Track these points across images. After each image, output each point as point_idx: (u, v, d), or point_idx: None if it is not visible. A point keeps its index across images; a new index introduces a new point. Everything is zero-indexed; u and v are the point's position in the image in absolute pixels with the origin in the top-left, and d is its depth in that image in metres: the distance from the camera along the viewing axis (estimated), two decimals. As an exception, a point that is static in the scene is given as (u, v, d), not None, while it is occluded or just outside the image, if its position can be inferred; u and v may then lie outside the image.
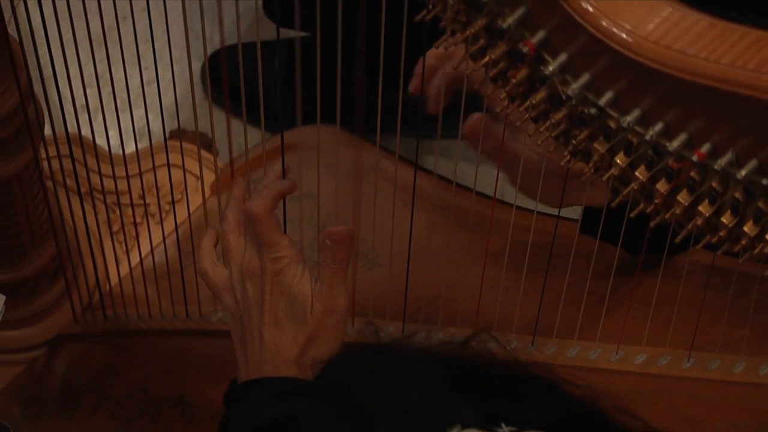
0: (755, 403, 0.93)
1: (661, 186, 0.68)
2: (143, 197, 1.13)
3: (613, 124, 0.67)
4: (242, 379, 0.83)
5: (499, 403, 0.71)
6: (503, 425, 0.66)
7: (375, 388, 0.75)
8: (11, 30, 0.85)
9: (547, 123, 0.70)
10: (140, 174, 1.08)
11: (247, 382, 0.82)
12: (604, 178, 0.70)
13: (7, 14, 0.83)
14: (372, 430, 0.73)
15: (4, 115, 0.88)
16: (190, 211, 1.10)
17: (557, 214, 0.91)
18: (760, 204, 0.65)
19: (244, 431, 0.78)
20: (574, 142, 0.70)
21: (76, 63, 0.88)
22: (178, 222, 1.07)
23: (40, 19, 0.83)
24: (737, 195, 0.65)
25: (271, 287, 0.82)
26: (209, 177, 1.15)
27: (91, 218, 1.02)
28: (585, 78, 0.67)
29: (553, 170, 0.87)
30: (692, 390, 0.95)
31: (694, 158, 0.65)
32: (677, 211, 0.68)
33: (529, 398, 0.74)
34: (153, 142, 1.13)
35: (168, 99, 0.93)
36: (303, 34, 0.82)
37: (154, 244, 1.09)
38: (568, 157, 0.72)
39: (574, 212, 0.95)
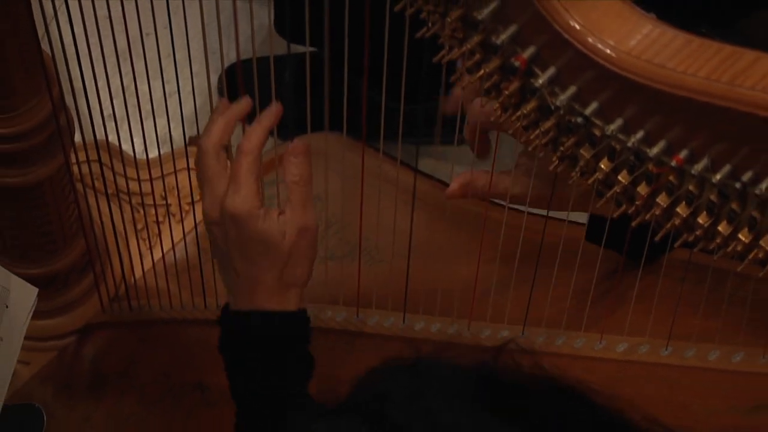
0: (728, 389, 0.93)
1: (642, 189, 0.68)
2: (165, 198, 1.13)
3: (597, 132, 0.67)
4: (234, 305, 0.82)
5: (535, 418, 0.69)
6: None
7: (417, 406, 0.70)
8: (44, 46, 0.85)
9: (537, 131, 0.70)
10: (162, 177, 1.07)
11: (244, 313, 0.81)
12: (589, 182, 0.70)
13: (41, 31, 0.83)
14: None
15: (38, 124, 0.88)
16: (208, 211, 1.10)
17: (546, 214, 0.91)
18: (734, 206, 0.65)
19: None
20: (561, 148, 0.70)
21: (104, 76, 0.88)
22: (196, 221, 1.07)
23: (71, 36, 0.83)
24: (712, 197, 0.65)
25: (237, 232, 0.79)
26: (225, 180, 1.14)
27: (117, 217, 1.02)
28: (572, 90, 0.66)
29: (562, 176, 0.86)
30: (670, 376, 0.94)
31: (673, 163, 0.65)
32: (657, 212, 0.68)
33: (563, 410, 0.71)
34: (174, 148, 1.13)
35: (188, 109, 0.93)
36: (312, 49, 0.82)
37: (175, 241, 1.09)
38: (557, 162, 0.72)
39: (563, 213, 0.95)
